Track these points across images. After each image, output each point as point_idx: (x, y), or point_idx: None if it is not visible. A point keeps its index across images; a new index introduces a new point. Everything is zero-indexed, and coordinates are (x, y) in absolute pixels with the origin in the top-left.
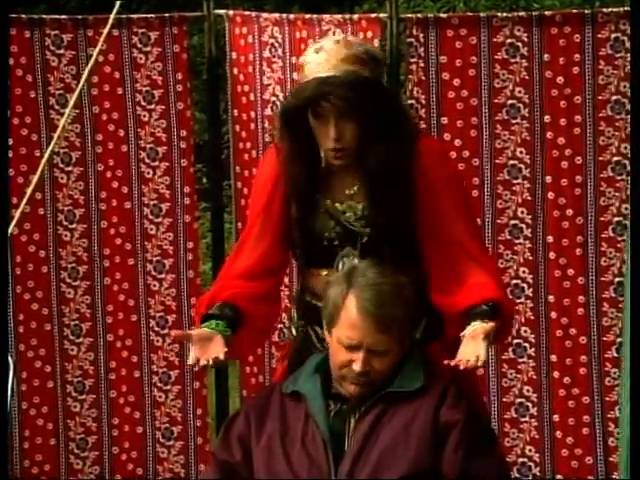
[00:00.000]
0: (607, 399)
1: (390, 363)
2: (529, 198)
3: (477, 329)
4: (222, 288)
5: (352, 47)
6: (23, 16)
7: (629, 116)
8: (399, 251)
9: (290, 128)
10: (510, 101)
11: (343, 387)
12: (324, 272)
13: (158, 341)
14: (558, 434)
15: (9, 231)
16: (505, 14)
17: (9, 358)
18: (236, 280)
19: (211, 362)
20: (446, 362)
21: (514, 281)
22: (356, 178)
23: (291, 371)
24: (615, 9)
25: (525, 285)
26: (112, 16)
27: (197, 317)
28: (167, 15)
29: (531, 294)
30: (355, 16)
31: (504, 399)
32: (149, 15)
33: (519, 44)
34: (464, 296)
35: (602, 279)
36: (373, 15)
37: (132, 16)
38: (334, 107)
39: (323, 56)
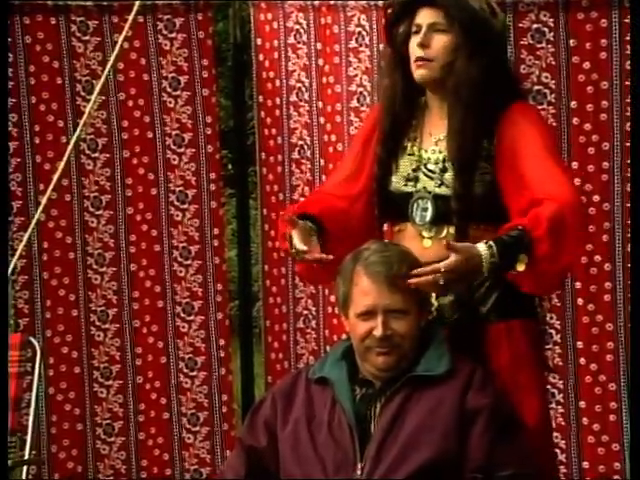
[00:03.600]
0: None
1: (411, 326)
2: None
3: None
4: (313, 201)
5: None
6: (49, 2)
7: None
8: (477, 204)
9: (392, 51)
10: (536, 87)
11: (370, 362)
12: (400, 227)
13: (184, 327)
14: (584, 421)
15: (37, 217)
16: None
17: (35, 343)
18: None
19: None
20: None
21: None
22: (446, 121)
23: None
24: None
25: None
26: (137, 2)
27: (283, 222)
28: (192, 1)
29: None
30: (380, 2)
31: None
32: (174, 1)
33: (545, 29)
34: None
35: (629, 265)
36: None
37: (157, 2)
38: (428, 15)
39: None
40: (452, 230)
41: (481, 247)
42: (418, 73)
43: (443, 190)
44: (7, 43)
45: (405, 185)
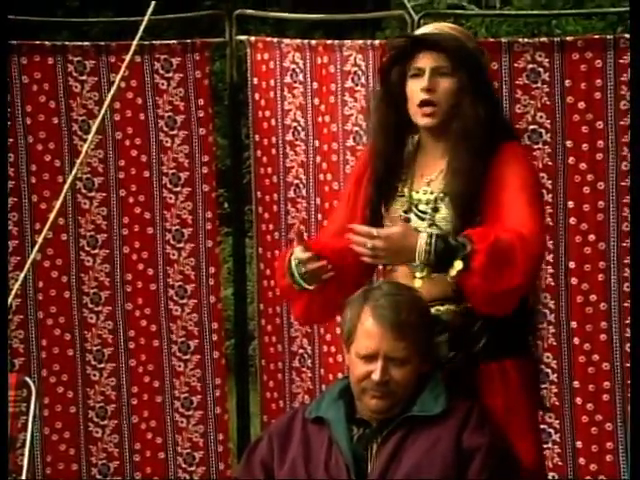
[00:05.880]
0: (628, 365)
1: (410, 375)
2: (551, 224)
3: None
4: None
5: (462, 29)
6: (46, 43)
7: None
8: None
9: (386, 91)
10: (532, 126)
11: (364, 403)
12: (392, 266)
13: (180, 366)
14: (578, 400)
15: (32, 256)
16: (526, 40)
17: (31, 383)
18: (325, 239)
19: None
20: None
21: None
22: (439, 162)
23: None
24: None
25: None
26: (134, 42)
27: (280, 267)
28: (189, 41)
29: (552, 259)
30: (376, 42)
31: None
32: (171, 41)
33: (540, 69)
34: None
35: (623, 245)
36: None
37: (154, 42)
38: (431, 58)
39: (431, 25)
40: None
41: (422, 234)
42: (424, 119)
43: (434, 230)
44: (6, 83)
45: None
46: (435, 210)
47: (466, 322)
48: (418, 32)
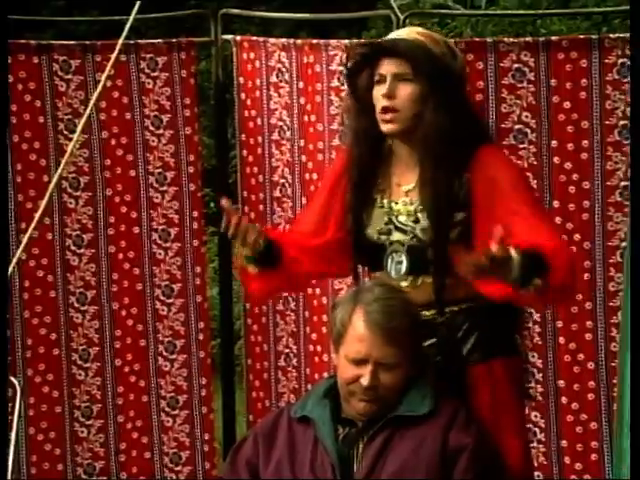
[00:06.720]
0: (613, 364)
1: (399, 379)
2: None
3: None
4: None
5: (434, 33)
6: (32, 42)
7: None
8: (451, 256)
9: (355, 98)
10: (517, 126)
11: (351, 405)
12: (377, 274)
13: (166, 366)
14: (563, 400)
15: (18, 255)
16: (512, 39)
17: (16, 383)
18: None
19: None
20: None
21: None
22: (414, 170)
23: None
24: (622, 34)
25: None
26: (120, 41)
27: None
28: (175, 40)
29: None
30: (362, 41)
31: None
32: (157, 40)
33: (526, 69)
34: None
35: (608, 244)
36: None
37: (140, 41)
38: (393, 65)
39: (400, 30)
40: (428, 279)
41: (514, 254)
42: (386, 126)
43: (416, 242)
44: (7, 83)
45: (378, 238)
46: (416, 221)
47: (452, 326)
48: (387, 37)
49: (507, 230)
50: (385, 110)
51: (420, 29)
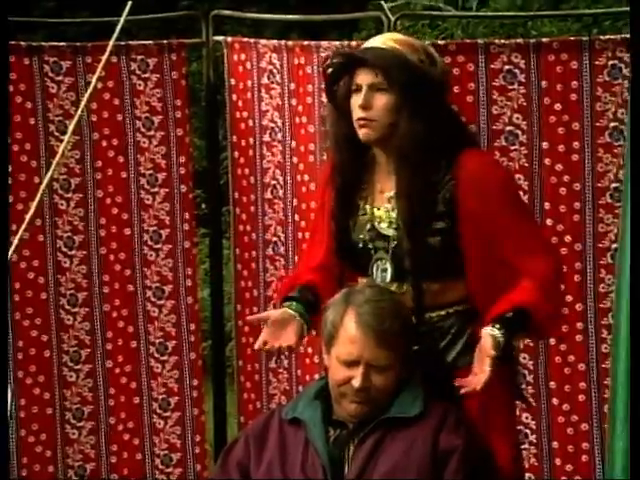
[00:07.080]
0: (603, 366)
1: (390, 381)
2: None
3: (485, 344)
4: (301, 273)
5: (411, 39)
6: (22, 43)
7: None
8: (433, 261)
9: (335, 106)
10: (508, 127)
11: (343, 407)
12: (362, 280)
13: (158, 368)
14: (554, 401)
15: (8, 257)
16: (503, 41)
17: (8, 386)
18: (312, 271)
19: (283, 346)
20: (456, 382)
21: None
22: (394, 178)
23: None
24: (612, 36)
25: None
26: (111, 43)
27: (279, 299)
28: (166, 42)
29: None
30: (353, 43)
31: None
32: (148, 42)
33: (517, 71)
34: (496, 305)
35: (599, 246)
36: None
37: (131, 43)
38: (368, 75)
39: (379, 37)
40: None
41: (498, 336)
42: (362, 133)
43: (399, 249)
44: (7, 83)
45: (363, 245)
46: (397, 229)
47: (441, 330)
48: (364, 45)
49: (492, 280)
50: (361, 120)
51: (398, 36)
